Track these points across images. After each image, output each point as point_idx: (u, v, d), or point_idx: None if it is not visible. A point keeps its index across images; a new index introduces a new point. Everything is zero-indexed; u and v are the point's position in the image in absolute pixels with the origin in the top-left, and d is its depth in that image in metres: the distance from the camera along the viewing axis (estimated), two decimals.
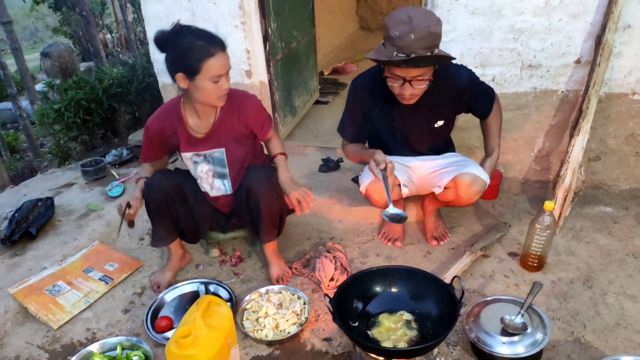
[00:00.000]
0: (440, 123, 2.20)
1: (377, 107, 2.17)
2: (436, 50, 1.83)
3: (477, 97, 2.17)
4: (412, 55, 1.76)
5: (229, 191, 2.21)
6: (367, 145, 2.38)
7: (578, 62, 2.52)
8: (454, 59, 1.85)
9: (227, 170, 2.17)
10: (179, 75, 1.86)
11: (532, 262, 2.18)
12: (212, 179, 2.20)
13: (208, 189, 2.22)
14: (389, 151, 2.29)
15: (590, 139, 2.49)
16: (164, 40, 1.88)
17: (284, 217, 2.26)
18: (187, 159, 2.15)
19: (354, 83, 2.19)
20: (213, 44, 1.83)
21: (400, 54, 1.77)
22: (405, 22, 1.75)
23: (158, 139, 2.13)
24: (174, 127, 2.09)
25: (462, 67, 2.13)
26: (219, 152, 2.13)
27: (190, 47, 1.82)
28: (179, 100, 2.08)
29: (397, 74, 1.87)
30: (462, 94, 2.11)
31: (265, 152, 2.31)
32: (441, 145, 2.31)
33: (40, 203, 2.90)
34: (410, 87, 1.90)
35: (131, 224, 2.01)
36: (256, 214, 2.10)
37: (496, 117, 2.25)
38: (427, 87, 1.95)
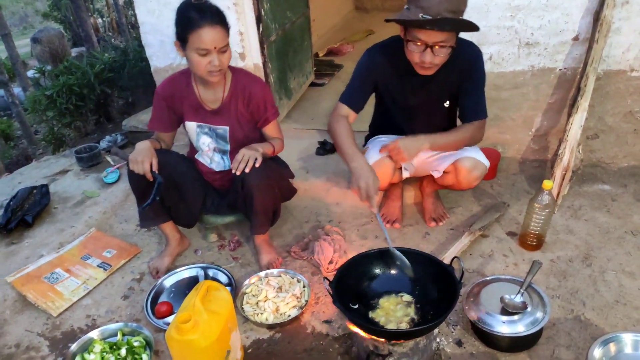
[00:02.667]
0: (447, 103, 2.16)
1: (392, 79, 2.11)
2: (462, 17, 1.79)
3: (470, 91, 2.08)
4: (438, 17, 1.72)
5: (228, 167, 2.21)
6: (363, 142, 2.29)
7: (576, 39, 2.49)
8: (479, 29, 1.79)
9: (228, 147, 2.18)
10: (176, 43, 1.93)
11: (531, 241, 2.18)
12: (212, 153, 2.21)
13: (207, 161, 2.23)
14: (392, 128, 2.26)
15: (589, 117, 2.48)
16: (177, 9, 1.92)
17: (279, 210, 2.26)
18: (191, 128, 2.16)
19: (371, 52, 2.11)
20: (204, 17, 1.82)
21: (425, 16, 1.73)
22: None
23: (167, 104, 2.13)
24: (183, 94, 2.10)
25: (476, 46, 2.06)
26: (223, 130, 2.13)
27: (184, 16, 1.85)
28: (189, 70, 2.08)
29: (420, 37, 1.81)
30: (468, 71, 2.05)
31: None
32: (446, 127, 2.24)
33: (35, 191, 2.88)
34: (432, 54, 1.84)
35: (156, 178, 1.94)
36: (249, 205, 2.09)
37: (467, 131, 2.11)
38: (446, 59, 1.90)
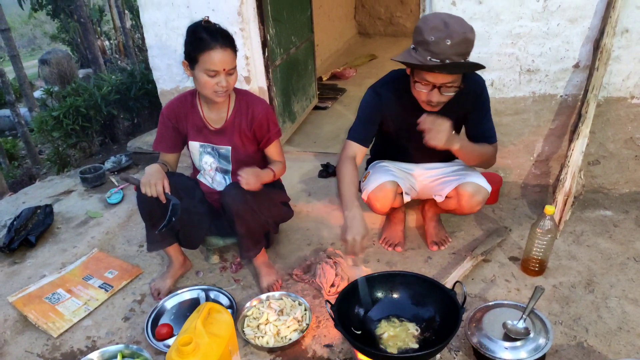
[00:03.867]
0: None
1: (398, 114, 2.11)
2: (468, 58, 1.81)
3: (479, 121, 2.11)
4: (447, 61, 1.73)
5: None
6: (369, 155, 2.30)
7: (577, 66, 2.53)
8: (485, 67, 1.81)
9: (230, 167, 2.20)
10: (184, 62, 1.97)
11: (534, 267, 2.18)
12: (214, 172, 2.23)
13: (209, 181, 2.25)
14: (394, 154, 2.28)
15: (590, 143, 2.50)
16: (187, 29, 1.97)
17: (271, 232, 2.26)
18: (194, 148, 2.19)
19: (375, 89, 2.11)
20: (215, 39, 1.87)
21: (434, 59, 1.74)
22: (441, 27, 1.71)
23: (172, 124, 2.15)
24: (187, 114, 2.14)
25: (479, 76, 2.07)
26: (225, 149, 2.16)
27: (196, 37, 1.90)
28: (195, 90, 2.13)
29: (427, 79, 1.83)
30: (474, 102, 2.06)
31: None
32: (450, 155, 2.22)
33: (39, 211, 2.89)
34: (439, 94, 1.86)
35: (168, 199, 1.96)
36: (233, 229, 2.09)
37: (489, 150, 2.13)
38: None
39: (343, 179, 2.02)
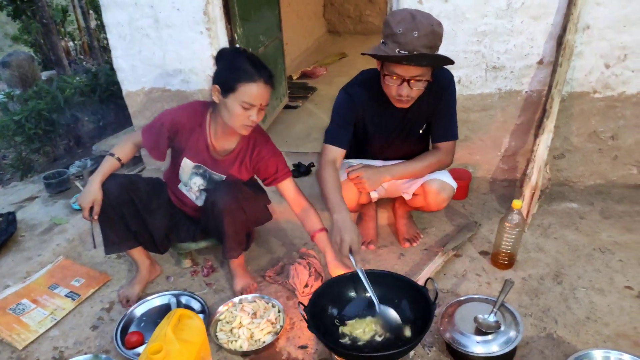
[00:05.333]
0: (423, 129, 2.19)
1: (372, 112, 2.12)
2: (437, 52, 1.82)
3: (441, 114, 2.12)
4: (415, 53, 1.75)
5: None
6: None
7: (540, 62, 2.57)
8: (454, 62, 1.82)
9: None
10: (215, 87, 1.88)
11: (503, 260, 2.21)
12: (199, 193, 2.18)
13: (193, 198, 2.20)
14: (363, 152, 2.28)
15: (555, 137, 2.55)
16: (223, 54, 1.93)
17: (253, 234, 2.23)
18: (187, 166, 2.11)
19: (348, 90, 2.10)
20: (259, 72, 1.83)
21: (402, 51, 1.75)
22: (408, 19, 1.74)
23: (168, 134, 2.04)
24: (192, 132, 2.05)
25: (448, 71, 2.08)
26: (218, 177, 2.12)
27: (239, 66, 1.83)
28: (206, 110, 2.04)
29: (397, 72, 1.83)
30: (441, 95, 2.07)
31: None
32: (419, 151, 2.25)
33: (1, 218, 2.80)
34: (408, 88, 1.87)
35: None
36: (220, 228, 2.05)
37: (433, 158, 2.14)
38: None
39: (326, 183, 2.00)
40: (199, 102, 2.12)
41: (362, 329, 1.75)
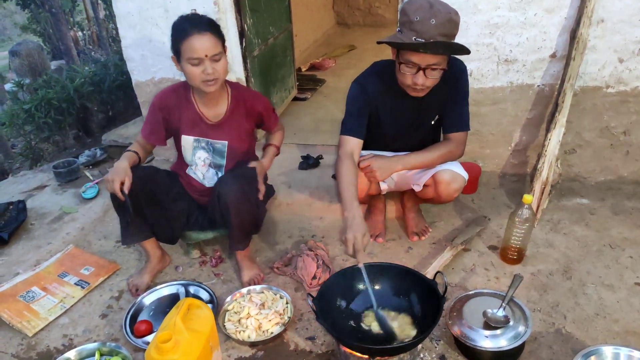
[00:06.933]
0: (435, 119, 2.17)
1: (386, 102, 2.10)
2: (453, 41, 1.80)
3: (453, 104, 2.10)
4: (431, 40, 1.73)
5: None
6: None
7: (553, 56, 2.55)
8: (470, 52, 1.81)
9: (224, 162, 2.16)
10: (173, 58, 1.92)
11: (512, 255, 2.20)
12: (207, 168, 2.18)
13: (200, 177, 2.20)
14: (374, 143, 2.26)
15: (566, 132, 2.53)
16: (172, 26, 1.93)
17: (260, 224, 2.22)
18: (187, 143, 2.13)
19: (360, 81, 2.09)
20: (193, 25, 1.83)
21: (419, 39, 1.73)
22: (425, 7, 1.72)
23: (162, 115, 2.09)
24: (181, 107, 2.08)
25: (461, 61, 2.07)
26: (221, 144, 2.12)
27: (176, 29, 1.86)
28: (189, 85, 2.06)
29: (413, 60, 1.81)
30: (454, 85, 2.05)
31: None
32: (430, 141, 2.24)
33: (11, 207, 2.81)
34: (424, 77, 1.85)
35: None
36: (227, 220, 2.06)
37: (444, 149, 2.13)
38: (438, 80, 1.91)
39: (342, 179, 1.97)
40: (180, 82, 2.14)
41: (372, 323, 1.75)
